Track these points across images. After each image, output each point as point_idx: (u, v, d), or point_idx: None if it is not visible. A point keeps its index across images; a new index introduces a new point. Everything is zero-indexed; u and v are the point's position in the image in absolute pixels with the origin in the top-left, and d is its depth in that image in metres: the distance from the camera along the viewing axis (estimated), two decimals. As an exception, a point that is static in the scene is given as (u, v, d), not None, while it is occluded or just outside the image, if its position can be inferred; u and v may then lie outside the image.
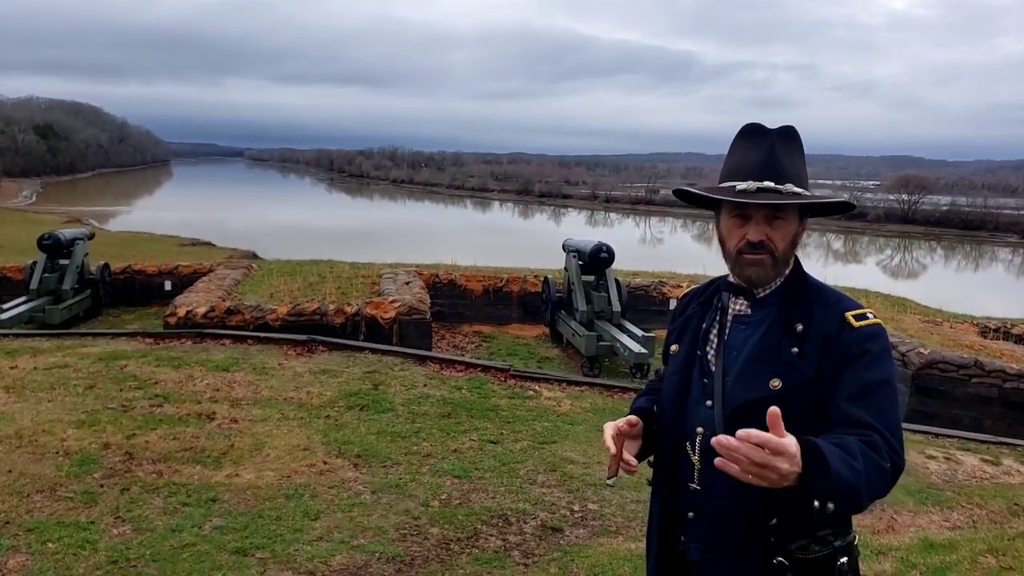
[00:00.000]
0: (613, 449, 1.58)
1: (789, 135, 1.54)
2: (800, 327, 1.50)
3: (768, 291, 1.57)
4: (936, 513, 4.85)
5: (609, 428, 1.61)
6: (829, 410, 1.46)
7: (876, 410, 1.44)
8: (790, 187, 1.49)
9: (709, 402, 1.55)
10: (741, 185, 1.50)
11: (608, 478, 1.63)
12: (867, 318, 1.50)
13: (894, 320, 10.63)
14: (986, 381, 7.97)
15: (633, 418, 1.64)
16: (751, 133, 1.54)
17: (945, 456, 5.98)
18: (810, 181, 1.60)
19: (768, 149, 1.51)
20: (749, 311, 1.58)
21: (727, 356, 1.56)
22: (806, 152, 1.59)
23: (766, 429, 1.46)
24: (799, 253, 1.61)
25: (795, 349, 1.48)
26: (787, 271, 1.57)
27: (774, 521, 1.48)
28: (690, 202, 1.68)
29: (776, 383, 1.47)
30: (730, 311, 1.60)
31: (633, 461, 1.60)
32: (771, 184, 1.48)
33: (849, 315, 1.49)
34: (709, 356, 1.60)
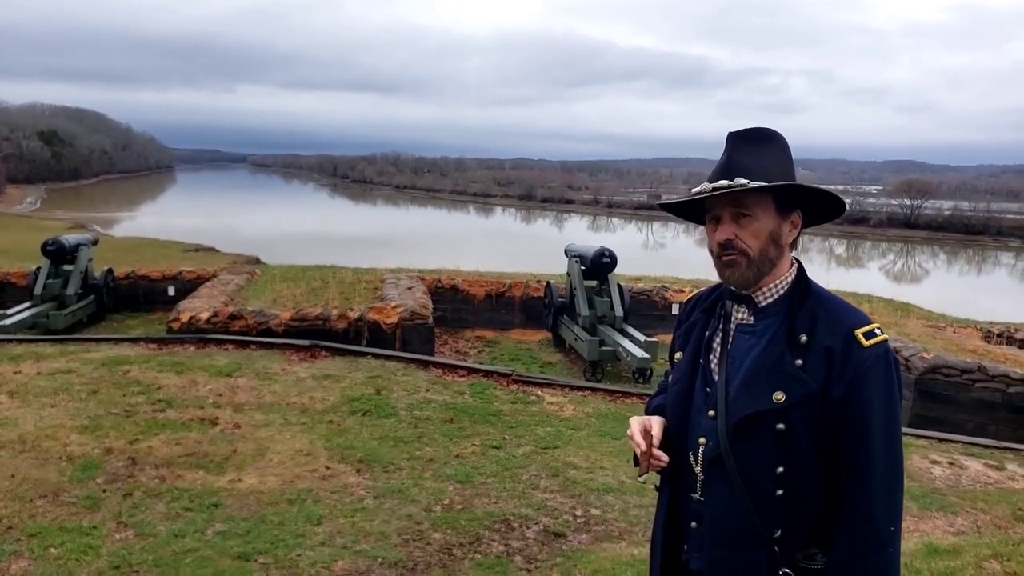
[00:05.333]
0: (643, 446, 1.55)
1: (749, 136, 1.53)
2: (804, 338, 1.46)
3: (771, 300, 1.54)
4: (940, 518, 4.82)
5: (636, 423, 1.59)
6: (838, 443, 1.45)
7: (872, 469, 1.43)
8: (740, 180, 1.46)
9: (712, 412, 1.53)
10: (697, 188, 1.53)
11: (640, 475, 1.61)
12: (875, 335, 1.46)
13: (897, 325, 10.61)
14: (990, 386, 7.95)
15: (658, 418, 1.62)
16: (725, 142, 1.55)
17: (949, 461, 5.96)
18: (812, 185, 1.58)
19: (728, 152, 1.52)
20: (752, 320, 1.55)
21: (730, 366, 1.53)
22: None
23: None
24: (805, 260, 1.59)
25: (799, 361, 1.45)
26: (789, 278, 1.54)
27: (778, 533, 1.46)
28: (675, 214, 1.69)
29: (780, 396, 1.44)
30: (733, 319, 1.57)
31: (663, 456, 1.57)
32: (725, 182, 1.47)
33: (859, 333, 1.45)
34: (712, 365, 1.57)
